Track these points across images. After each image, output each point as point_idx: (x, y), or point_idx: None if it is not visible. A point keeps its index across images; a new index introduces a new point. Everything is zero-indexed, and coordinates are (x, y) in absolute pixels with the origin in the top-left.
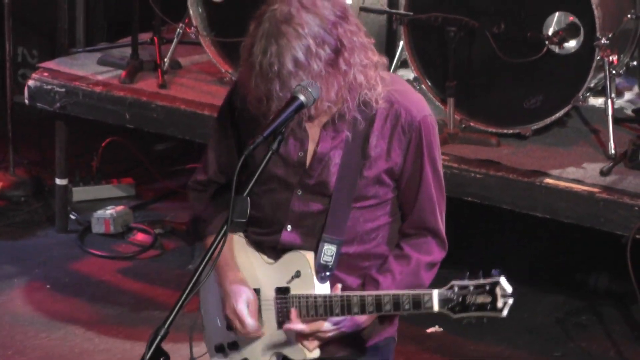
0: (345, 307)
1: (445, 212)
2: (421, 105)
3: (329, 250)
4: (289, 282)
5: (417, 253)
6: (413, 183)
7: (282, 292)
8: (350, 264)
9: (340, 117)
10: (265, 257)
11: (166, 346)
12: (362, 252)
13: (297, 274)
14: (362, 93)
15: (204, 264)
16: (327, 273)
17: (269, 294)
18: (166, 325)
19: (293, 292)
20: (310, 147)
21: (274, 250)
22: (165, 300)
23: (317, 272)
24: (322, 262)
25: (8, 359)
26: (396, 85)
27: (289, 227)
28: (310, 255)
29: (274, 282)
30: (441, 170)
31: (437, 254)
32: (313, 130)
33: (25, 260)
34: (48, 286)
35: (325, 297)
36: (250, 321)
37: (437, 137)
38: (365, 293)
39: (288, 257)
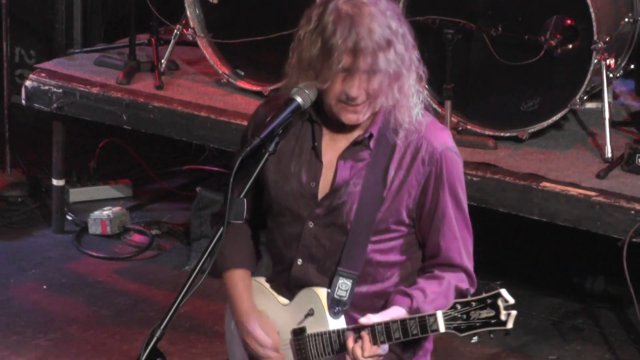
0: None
1: (472, 251)
2: (445, 138)
3: (343, 285)
4: (303, 321)
5: (448, 275)
6: (434, 219)
7: (298, 333)
8: (364, 303)
9: (360, 145)
10: (280, 298)
11: (162, 347)
12: (377, 290)
13: (311, 312)
14: (394, 115)
15: (200, 264)
16: (341, 308)
17: (286, 337)
18: (162, 326)
19: (309, 331)
20: (327, 178)
21: (289, 288)
22: (161, 301)
23: (330, 307)
24: (335, 296)
25: (4, 359)
26: (423, 117)
27: (299, 262)
28: (321, 291)
29: (290, 323)
30: (466, 207)
31: (466, 284)
32: (330, 159)
33: (21, 260)
34: (45, 287)
35: (338, 332)
36: (265, 338)
37: (461, 172)
38: (374, 322)
39: (301, 295)
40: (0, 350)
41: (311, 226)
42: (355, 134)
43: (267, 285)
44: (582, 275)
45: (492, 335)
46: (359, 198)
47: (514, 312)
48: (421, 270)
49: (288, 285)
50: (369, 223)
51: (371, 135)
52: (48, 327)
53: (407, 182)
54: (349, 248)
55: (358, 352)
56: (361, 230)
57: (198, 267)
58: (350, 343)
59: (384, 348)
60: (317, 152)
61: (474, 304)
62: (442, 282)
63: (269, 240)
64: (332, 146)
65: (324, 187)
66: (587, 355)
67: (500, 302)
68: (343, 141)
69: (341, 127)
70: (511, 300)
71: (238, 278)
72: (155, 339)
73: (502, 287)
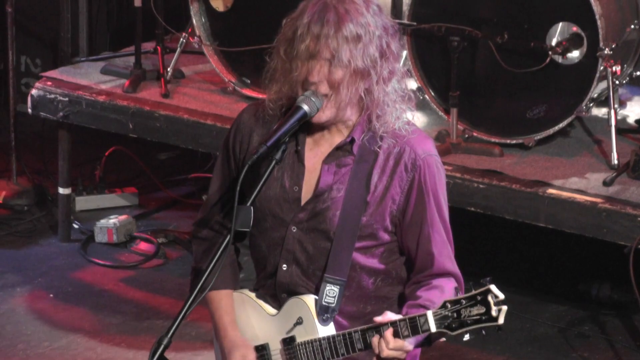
0: (349, 344)
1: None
2: (428, 146)
3: (331, 292)
4: (293, 330)
5: (445, 283)
6: (423, 228)
7: (288, 342)
8: (348, 308)
9: (342, 150)
10: (268, 308)
11: (169, 356)
12: (361, 295)
13: (300, 321)
14: (374, 122)
15: (207, 273)
16: (330, 314)
17: (277, 346)
18: (169, 335)
19: (299, 339)
20: (309, 182)
21: (274, 296)
22: (168, 309)
23: (319, 315)
24: (324, 303)
25: None
26: (408, 126)
27: (284, 266)
28: (309, 299)
29: (279, 334)
30: (447, 216)
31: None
32: (313, 164)
33: (27, 269)
34: (51, 295)
35: (328, 339)
36: None
37: (443, 179)
38: (365, 327)
39: (289, 304)
40: (7, 358)
41: (294, 231)
42: (339, 138)
43: (253, 295)
44: (588, 282)
45: (484, 332)
46: (343, 204)
47: (504, 307)
48: (416, 284)
49: (274, 292)
50: (353, 229)
51: (353, 140)
52: (54, 335)
53: (391, 188)
54: (335, 254)
55: (382, 345)
56: (345, 236)
57: (205, 276)
58: (375, 340)
59: (410, 342)
60: (299, 156)
61: (464, 301)
62: (443, 289)
63: (253, 245)
64: (315, 150)
65: (307, 192)
66: None
67: (490, 298)
68: (326, 146)
69: (323, 132)
70: (501, 296)
71: (220, 302)
72: (162, 347)
73: (491, 282)
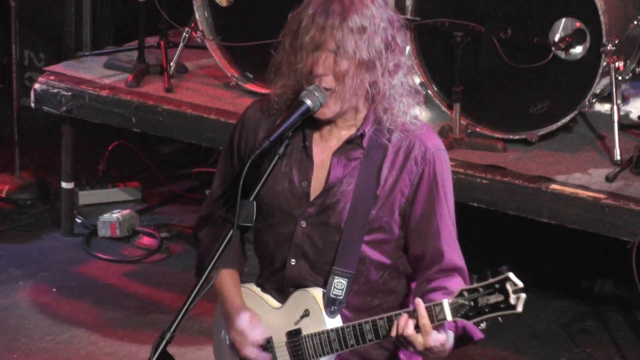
0: (359, 335)
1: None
2: (437, 140)
3: (339, 284)
4: (299, 322)
5: (454, 283)
6: (432, 222)
7: (293, 335)
8: (355, 301)
9: (352, 144)
10: (272, 301)
11: (172, 350)
12: (368, 289)
13: (306, 313)
14: (381, 115)
15: (210, 268)
16: (337, 307)
17: (281, 339)
18: (172, 329)
19: (305, 332)
20: (319, 177)
21: (281, 290)
22: (171, 304)
23: (327, 307)
24: (332, 295)
25: None
26: (416, 120)
27: (292, 261)
28: (316, 292)
29: (284, 326)
30: (454, 211)
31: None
32: (321, 159)
33: (30, 263)
34: (54, 289)
35: (337, 330)
36: (253, 333)
37: (450, 175)
38: (376, 317)
39: (295, 297)
40: (10, 352)
41: (304, 225)
42: (347, 132)
43: (258, 290)
44: (591, 278)
45: (500, 320)
46: (352, 197)
47: (523, 295)
48: (426, 282)
49: (281, 286)
50: (362, 222)
51: (363, 134)
52: (57, 329)
53: (400, 181)
54: (344, 247)
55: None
56: (355, 229)
57: (207, 270)
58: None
59: (444, 331)
60: (307, 152)
61: (481, 290)
62: (453, 291)
63: (258, 242)
64: (323, 146)
65: (316, 187)
66: (596, 357)
67: (509, 286)
68: (334, 140)
69: (331, 126)
70: (520, 284)
71: (227, 278)
72: (164, 341)
73: (509, 270)
